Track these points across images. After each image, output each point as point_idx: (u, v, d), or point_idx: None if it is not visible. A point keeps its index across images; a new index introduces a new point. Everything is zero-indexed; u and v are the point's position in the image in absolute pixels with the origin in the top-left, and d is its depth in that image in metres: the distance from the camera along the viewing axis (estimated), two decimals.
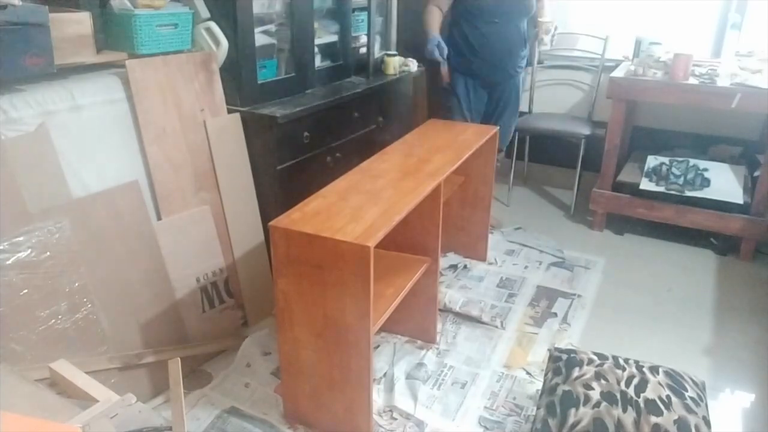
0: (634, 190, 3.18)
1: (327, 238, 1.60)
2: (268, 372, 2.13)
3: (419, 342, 2.32)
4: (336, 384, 1.79)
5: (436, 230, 2.11)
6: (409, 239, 2.12)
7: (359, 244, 1.56)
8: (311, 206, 1.79)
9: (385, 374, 2.14)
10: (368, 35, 3.02)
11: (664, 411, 1.43)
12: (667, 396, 1.47)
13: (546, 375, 1.66)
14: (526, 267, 2.91)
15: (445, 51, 2.93)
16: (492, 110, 3.15)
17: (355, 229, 1.63)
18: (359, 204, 1.81)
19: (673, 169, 3.14)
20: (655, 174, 3.17)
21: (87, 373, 1.64)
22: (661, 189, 3.11)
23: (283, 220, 1.70)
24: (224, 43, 2.24)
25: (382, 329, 2.17)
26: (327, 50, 2.88)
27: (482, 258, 2.94)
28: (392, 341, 2.32)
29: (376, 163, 2.21)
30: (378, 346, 2.27)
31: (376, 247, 1.58)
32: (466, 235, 2.93)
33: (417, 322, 2.30)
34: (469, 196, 2.84)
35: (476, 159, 2.60)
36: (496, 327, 2.42)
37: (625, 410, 1.43)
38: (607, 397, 1.47)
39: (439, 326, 2.36)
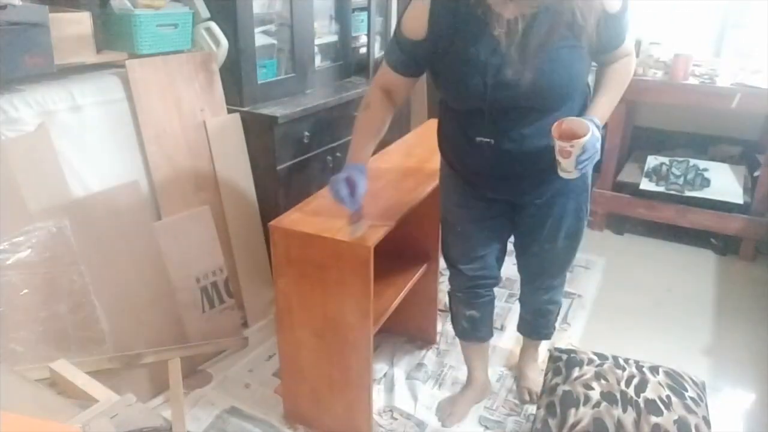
0: (634, 190, 3.18)
1: (327, 238, 1.59)
2: (269, 373, 2.13)
3: (419, 342, 2.32)
4: (336, 384, 1.79)
5: (436, 230, 2.11)
6: (409, 239, 2.12)
7: (359, 244, 1.56)
8: (311, 206, 1.79)
9: (385, 374, 2.14)
10: (368, 35, 3.02)
11: (664, 411, 1.43)
12: (667, 396, 1.47)
13: (546, 375, 1.66)
14: None
15: (362, 191, 1.57)
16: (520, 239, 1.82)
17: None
18: None
19: (673, 169, 3.14)
20: (655, 174, 3.17)
21: (87, 373, 1.64)
22: (661, 189, 3.11)
23: (283, 220, 1.69)
24: (224, 43, 2.24)
25: (382, 329, 2.17)
26: (327, 50, 2.88)
27: None
28: (392, 341, 2.31)
29: (376, 163, 2.20)
30: (378, 346, 2.27)
31: (376, 247, 1.58)
32: None
33: (417, 322, 2.30)
34: None
35: None
36: (496, 327, 2.41)
37: (625, 410, 1.43)
38: (607, 397, 1.47)
39: (439, 326, 2.36)
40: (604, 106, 1.51)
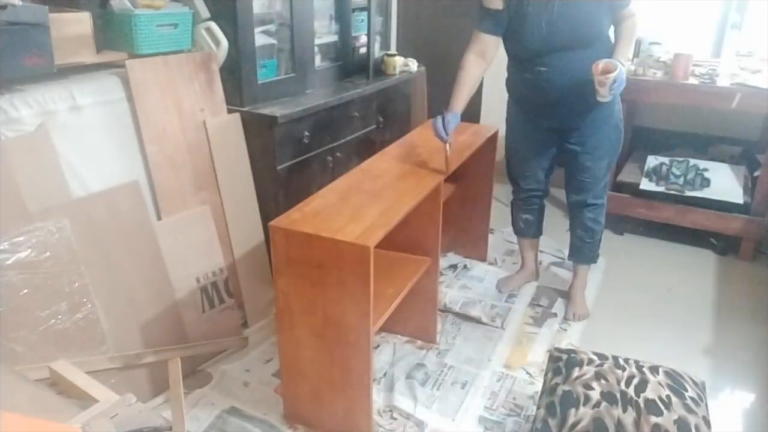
0: (634, 190, 3.18)
1: (327, 238, 1.60)
2: (269, 373, 2.12)
3: (419, 342, 2.32)
4: (336, 384, 1.79)
5: (436, 230, 2.11)
6: (409, 239, 2.12)
7: (359, 244, 1.56)
8: (311, 206, 1.79)
9: (385, 374, 2.14)
10: (368, 35, 3.03)
11: (664, 411, 1.43)
12: (667, 396, 1.47)
13: (546, 375, 1.66)
14: None
15: (451, 127, 2.12)
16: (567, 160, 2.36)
17: (355, 229, 1.63)
18: (359, 204, 1.81)
19: (673, 169, 3.14)
20: (655, 174, 3.17)
21: (87, 373, 1.64)
22: (661, 189, 3.11)
23: (283, 220, 1.69)
24: (224, 43, 2.24)
25: (382, 329, 2.17)
26: (327, 50, 2.88)
27: (482, 258, 2.94)
28: (392, 341, 2.31)
29: (376, 163, 2.21)
30: (378, 346, 2.27)
31: (376, 247, 1.58)
32: (466, 235, 2.93)
33: (417, 322, 2.30)
34: (469, 196, 2.83)
35: (476, 159, 2.59)
36: (496, 327, 2.41)
37: (625, 410, 1.43)
38: (607, 397, 1.47)
39: (439, 326, 2.36)
40: (623, 52, 2.08)
